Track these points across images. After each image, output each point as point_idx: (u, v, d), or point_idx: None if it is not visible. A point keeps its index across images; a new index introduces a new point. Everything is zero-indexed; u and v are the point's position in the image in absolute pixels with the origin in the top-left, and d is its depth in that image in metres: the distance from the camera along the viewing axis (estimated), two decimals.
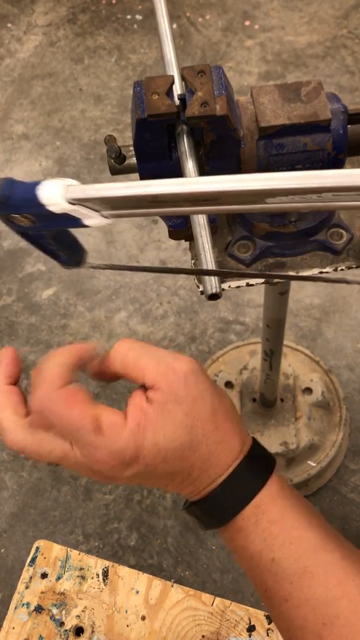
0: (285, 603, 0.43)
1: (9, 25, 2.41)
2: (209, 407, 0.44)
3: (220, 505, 0.45)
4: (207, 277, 0.53)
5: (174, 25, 2.33)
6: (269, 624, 0.79)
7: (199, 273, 0.54)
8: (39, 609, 0.81)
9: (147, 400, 0.44)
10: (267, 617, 0.79)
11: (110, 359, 0.46)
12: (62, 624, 0.80)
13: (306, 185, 0.35)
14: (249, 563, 0.45)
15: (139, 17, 2.37)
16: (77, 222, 0.43)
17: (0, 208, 0.41)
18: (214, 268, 0.55)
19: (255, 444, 0.48)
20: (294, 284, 1.65)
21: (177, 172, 0.61)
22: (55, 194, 0.39)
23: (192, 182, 0.38)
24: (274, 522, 0.44)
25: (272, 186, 0.35)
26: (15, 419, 0.44)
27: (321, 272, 0.76)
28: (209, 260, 0.59)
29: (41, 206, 0.40)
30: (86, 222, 0.42)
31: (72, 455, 0.42)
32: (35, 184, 0.40)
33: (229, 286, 0.73)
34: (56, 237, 0.47)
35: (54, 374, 0.45)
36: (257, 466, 0.47)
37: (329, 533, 0.46)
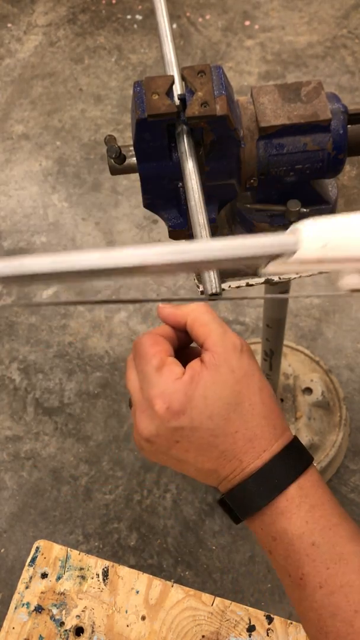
0: (320, 590, 0.44)
1: (9, 25, 2.41)
2: (257, 383, 0.46)
3: (268, 482, 0.45)
4: (207, 277, 0.53)
5: (174, 25, 2.33)
6: (268, 624, 0.79)
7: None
8: (39, 609, 0.81)
9: (202, 362, 0.46)
10: (267, 617, 0.79)
11: (186, 311, 0.50)
12: (62, 624, 0.80)
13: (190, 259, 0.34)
14: (287, 549, 0.45)
15: (139, 17, 2.37)
16: None
17: None
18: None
19: (295, 437, 0.49)
20: (294, 284, 1.65)
21: (177, 172, 0.61)
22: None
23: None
24: (315, 507, 0.45)
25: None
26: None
27: (321, 272, 0.76)
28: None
29: None
30: None
31: (138, 392, 0.46)
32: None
33: (229, 286, 0.73)
34: None
35: (156, 331, 0.50)
36: (299, 453, 0.48)
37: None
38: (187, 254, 0.34)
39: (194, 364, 0.47)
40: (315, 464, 1.38)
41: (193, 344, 0.52)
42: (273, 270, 0.37)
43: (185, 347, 0.52)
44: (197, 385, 0.45)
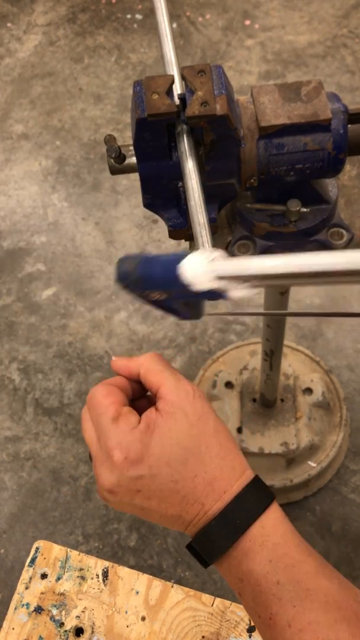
0: (289, 629, 0.44)
1: (9, 24, 2.41)
2: (212, 425, 0.48)
3: (230, 524, 0.46)
4: None
5: (174, 25, 2.32)
6: None
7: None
8: (38, 610, 0.81)
9: (157, 410, 0.48)
10: None
11: (138, 361, 0.51)
12: (62, 624, 0.80)
13: None
14: (254, 590, 0.45)
15: (138, 16, 2.37)
16: (220, 296, 0.40)
17: (137, 286, 0.40)
18: None
19: (256, 476, 0.49)
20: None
21: (177, 171, 0.61)
22: (200, 273, 0.38)
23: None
24: (277, 545, 0.46)
25: None
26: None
27: None
28: None
29: (184, 286, 0.38)
30: (232, 294, 0.39)
31: (96, 444, 0.47)
32: (175, 260, 0.38)
33: None
34: (188, 302, 0.46)
35: (110, 382, 0.52)
36: (260, 491, 0.48)
37: (327, 564, 0.47)
38: None
39: (149, 412, 0.48)
40: (315, 465, 1.38)
41: (148, 393, 0.53)
42: None
43: (140, 397, 0.53)
44: (153, 432, 0.46)
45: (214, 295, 0.40)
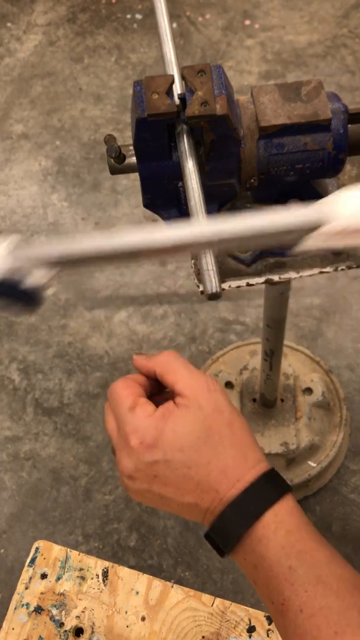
0: (301, 614, 0.45)
1: (9, 24, 2.41)
2: (227, 417, 0.50)
3: (244, 510, 0.48)
4: (207, 277, 0.53)
5: (174, 25, 2.32)
6: (269, 624, 0.79)
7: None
8: (38, 610, 0.81)
9: (174, 403, 0.50)
10: (268, 617, 0.79)
11: (156, 360, 0.53)
12: (61, 624, 0.80)
13: (211, 239, 0.38)
14: (267, 575, 0.47)
15: (138, 16, 2.37)
16: (20, 289, 0.40)
17: None
18: (214, 268, 0.55)
19: (272, 469, 0.50)
20: (294, 283, 1.65)
21: (177, 172, 0.61)
22: None
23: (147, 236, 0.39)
24: (290, 532, 0.47)
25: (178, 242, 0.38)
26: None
27: (322, 272, 0.76)
28: (209, 261, 0.59)
29: None
30: (28, 281, 0.40)
31: (116, 433, 0.50)
32: None
33: (229, 286, 0.73)
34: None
35: (129, 376, 0.55)
36: (275, 482, 0.49)
37: (338, 554, 0.48)
38: (225, 232, 0.37)
39: (166, 404, 0.51)
40: (315, 465, 1.38)
41: (167, 390, 0.55)
42: (311, 244, 0.39)
43: (160, 393, 0.56)
44: (167, 420, 0.48)
45: (16, 291, 0.40)
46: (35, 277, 0.40)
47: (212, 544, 0.50)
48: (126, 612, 0.80)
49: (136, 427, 0.48)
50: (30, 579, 0.83)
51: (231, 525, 0.48)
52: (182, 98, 0.58)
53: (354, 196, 0.35)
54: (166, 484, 0.48)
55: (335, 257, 0.75)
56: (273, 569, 0.46)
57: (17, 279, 0.40)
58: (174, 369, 0.51)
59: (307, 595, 0.45)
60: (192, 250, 0.39)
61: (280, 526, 0.47)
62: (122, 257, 0.40)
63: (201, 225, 0.39)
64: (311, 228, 0.37)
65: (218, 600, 0.80)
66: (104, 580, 0.83)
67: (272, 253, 0.73)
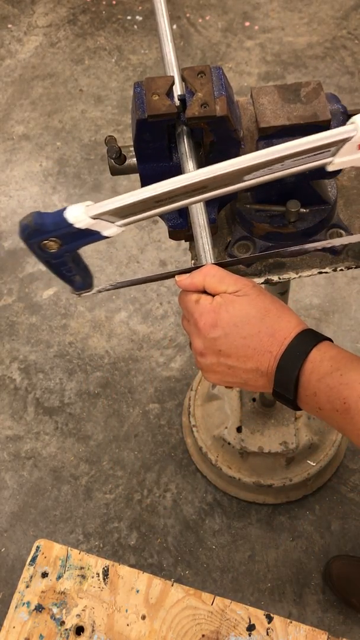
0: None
1: (10, 26, 2.41)
2: (269, 298, 0.60)
3: (293, 357, 0.57)
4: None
5: (174, 26, 2.33)
6: (268, 623, 0.79)
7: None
8: (39, 608, 0.81)
9: (227, 293, 0.60)
10: (267, 616, 0.80)
11: (201, 274, 0.60)
12: (62, 623, 0.81)
13: (270, 157, 0.48)
14: (326, 392, 0.55)
15: (139, 18, 2.38)
16: (98, 236, 0.52)
17: (36, 235, 0.51)
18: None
19: (310, 329, 0.59)
20: (293, 283, 1.65)
21: (177, 172, 0.61)
22: (79, 214, 0.49)
23: (183, 178, 0.49)
24: (334, 357, 0.56)
25: (245, 164, 0.48)
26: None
27: (320, 272, 0.76)
28: (209, 261, 0.60)
29: (69, 225, 0.50)
30: (105, 233, 0.52)
31: (189, 324, 0.61)
32: (61, 210, 0.50)
33: None
34: (74, 259, 0.57)
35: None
36: (315, 333, 0.59)
37: None
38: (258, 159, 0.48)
39: (222, 294, 0.60)
40: (314, 464, 1.38)
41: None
42: (342, 161, 0.48)
43: None
44: (222, 305, 0.59)
45: (94, 236, 0.52)
46: (111, 230, 0.52)
47: (281, 399, 0.58)
48: (126, 611, 0.81)
49: (201, 312, 0.59)
50: (31, 577, 0.84)
51: (287, 372, 0.57)
52: (182, 99, 0.58)
53: None
54: (229, 355, 0.59)
55: (334, 257, 0.75)
56: (328, 382, 0.55)
57: (97, 230, 0.51)
58: (219, 278, 0.60)
59: None
60: (233, 180, 0.50)
61: (325, 356, 0.56)
62: (173, 197, 0.50)
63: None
64: (343, 140, 0.45)
65: (218, 599, 0.80)
66: (104, 579, 0.83)
67: (273, 253, 0.74)
